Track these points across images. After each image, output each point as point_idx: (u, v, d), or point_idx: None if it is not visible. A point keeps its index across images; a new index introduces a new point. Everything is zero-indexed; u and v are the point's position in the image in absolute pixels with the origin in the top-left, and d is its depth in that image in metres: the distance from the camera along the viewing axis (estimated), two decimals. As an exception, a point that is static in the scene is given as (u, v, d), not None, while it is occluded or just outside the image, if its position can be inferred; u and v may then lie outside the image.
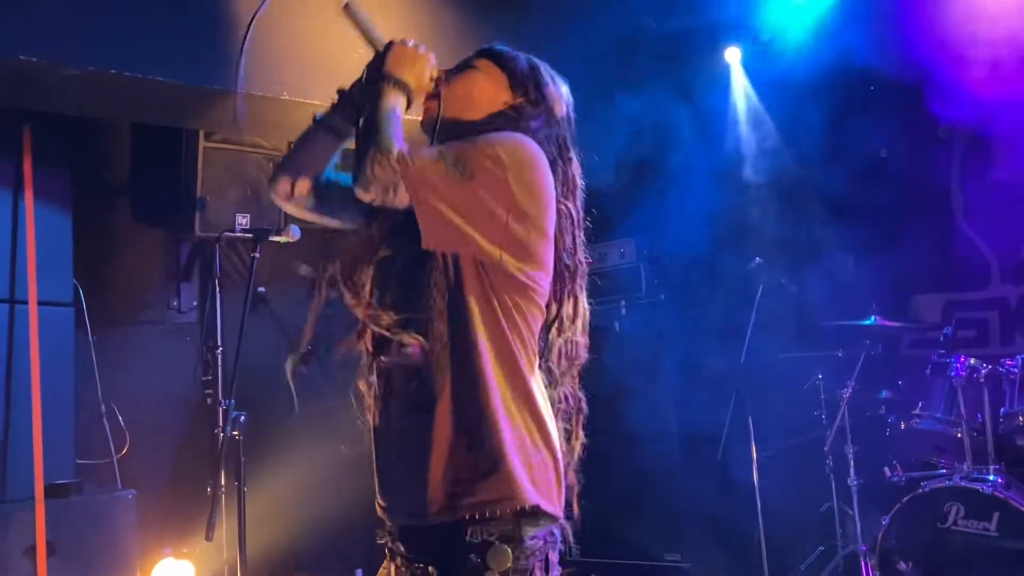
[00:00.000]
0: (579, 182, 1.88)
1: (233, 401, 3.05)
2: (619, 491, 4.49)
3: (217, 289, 4.22)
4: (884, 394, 4.37)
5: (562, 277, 1.82)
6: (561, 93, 1.91)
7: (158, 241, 4.26)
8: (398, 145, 1.67)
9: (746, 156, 4.89)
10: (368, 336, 1.78)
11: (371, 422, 1.80)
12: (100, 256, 3.98)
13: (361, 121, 1.78)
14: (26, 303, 3.35)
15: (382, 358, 1.76)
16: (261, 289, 4.50)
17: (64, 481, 3.34)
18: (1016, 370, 3.69)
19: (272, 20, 3.24)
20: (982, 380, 3.71)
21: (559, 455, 1.75)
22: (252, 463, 3.57)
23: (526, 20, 3.98)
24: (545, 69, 1.92)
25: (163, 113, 3.53)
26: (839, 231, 4.91)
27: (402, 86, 1.77)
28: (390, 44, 1.83)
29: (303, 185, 1.88)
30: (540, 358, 1.80)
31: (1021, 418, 3.62)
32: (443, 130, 1.84)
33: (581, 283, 1.86)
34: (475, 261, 1.69)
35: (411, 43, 1.83)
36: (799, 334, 4.74)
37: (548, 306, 1.80)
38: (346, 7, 1.87)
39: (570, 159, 1.87)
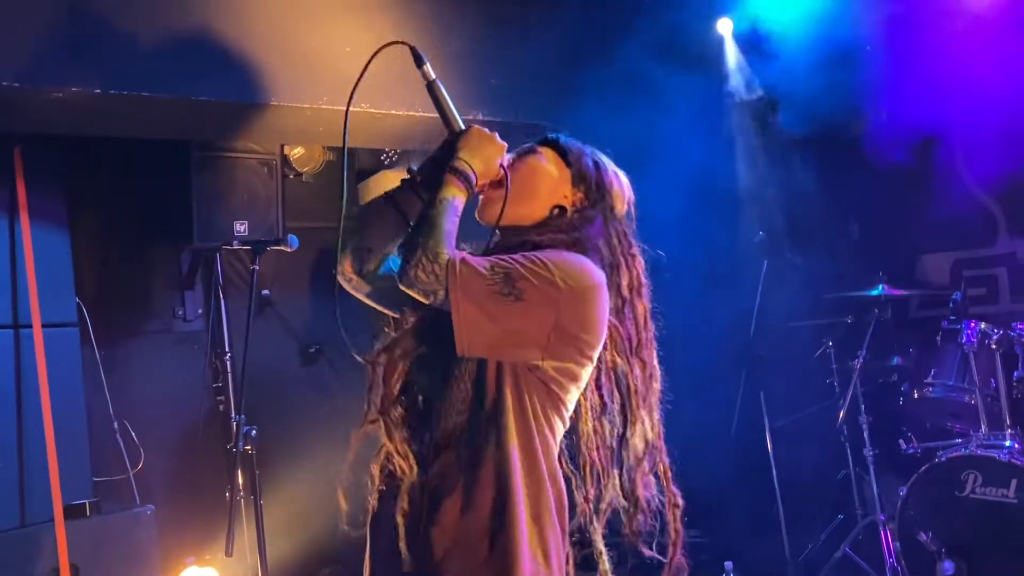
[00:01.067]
0: (644, 280, 1.83)
1: (244, 416, 3.05)
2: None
3: (221, 295, 4.21)
4: (896, 361, 4.36)
5: (625, 396, 1.80)
6: (623, 188, 1.88)
7: (158, 251, 4.25)
8: (448, 249, 1.63)
9: (743, 127, 4.83)
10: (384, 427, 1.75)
11: (371, 506, 1.77)
12: (100, 271, 3.97)
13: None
14: (30, 327, 3.34)
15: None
16: (265, 292, 4.50)
17: (82, 501, 3.35)
18: (1028, 334, 3.67)
19: (259, 25, 3.20)
20: (994, 345, 3.69)
21: (563, 560, 1.71)
22: (266, 465, 3.59)
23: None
24: (608, 166, 1.88)
25: (155, 127, 3.50)
26: (841, 196, 4.87)
27: (467, 170, 1.73)
28: (469, 127, 1.80)
29: (367, 268, 1.86)
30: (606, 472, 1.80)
31: (1035, 382, 3.61)
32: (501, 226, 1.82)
33: (647, 399, 1.81)
34: (511, 363, 1.66)
35: (488, 131, 1.80)
36: (807, 305, 4.72)
37: (623, 432, 1.80)
38: (431, 84, 1.84)
39: (633, 256, 1.84)
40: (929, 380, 3.97)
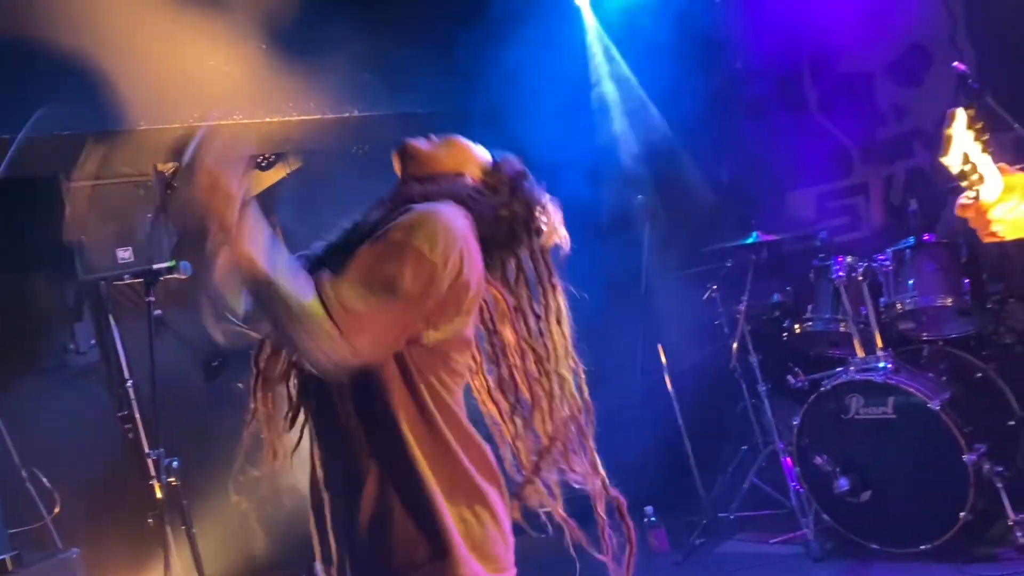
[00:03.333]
0: (565, 310, 1.84)
1: (163, 450, 3.03)
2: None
3: (112, 323, 4.11)
4: (776, 298, 4.64)
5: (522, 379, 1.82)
6: (556, 224, 1.85)
7: (41, 287, 4.10)
8: (308, 298, 1.48)
9: (608, 97, 4.98)
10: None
11: (312, 529, 1.76)
12: (-18, 318, 3.82)
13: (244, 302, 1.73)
14: (-82, 390, 3.21)
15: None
16: (158, 312, 4.39)
17: (1, 557, 3.25)
18: (888, 263, 3.98)
19: (118, 54, 3.11)
20: (860, 277, 3.99)
21: (503, 513, 1.71)
22: (187, 487, 3.55)
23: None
24: (537, 188, 1.83)
25: (21, 166, 3.37)
26: (706, 150, 5.10)
27: (215, 246, 1.52)
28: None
29: (247, 314, 1.80)
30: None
31: (899, 305, 3.93)
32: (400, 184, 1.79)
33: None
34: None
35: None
36: (691, 256, 4.96)
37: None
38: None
39: (555, 285, 1.83)
40: (808, 315, 4.26)
